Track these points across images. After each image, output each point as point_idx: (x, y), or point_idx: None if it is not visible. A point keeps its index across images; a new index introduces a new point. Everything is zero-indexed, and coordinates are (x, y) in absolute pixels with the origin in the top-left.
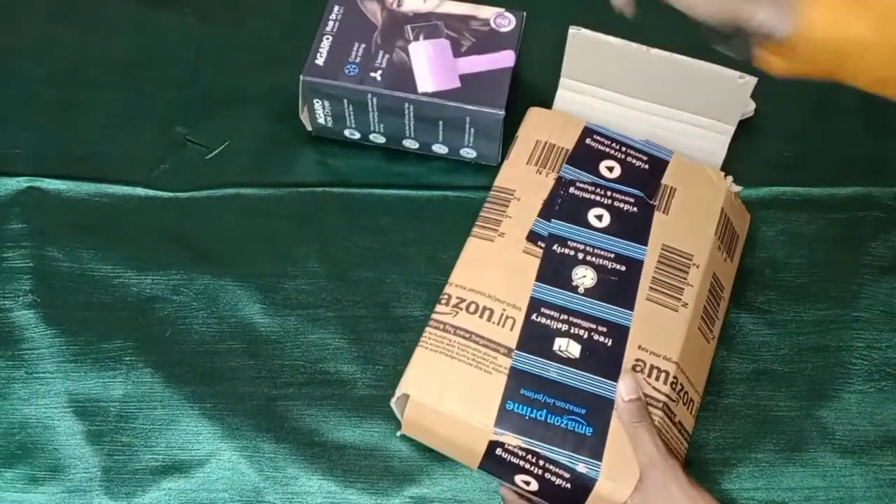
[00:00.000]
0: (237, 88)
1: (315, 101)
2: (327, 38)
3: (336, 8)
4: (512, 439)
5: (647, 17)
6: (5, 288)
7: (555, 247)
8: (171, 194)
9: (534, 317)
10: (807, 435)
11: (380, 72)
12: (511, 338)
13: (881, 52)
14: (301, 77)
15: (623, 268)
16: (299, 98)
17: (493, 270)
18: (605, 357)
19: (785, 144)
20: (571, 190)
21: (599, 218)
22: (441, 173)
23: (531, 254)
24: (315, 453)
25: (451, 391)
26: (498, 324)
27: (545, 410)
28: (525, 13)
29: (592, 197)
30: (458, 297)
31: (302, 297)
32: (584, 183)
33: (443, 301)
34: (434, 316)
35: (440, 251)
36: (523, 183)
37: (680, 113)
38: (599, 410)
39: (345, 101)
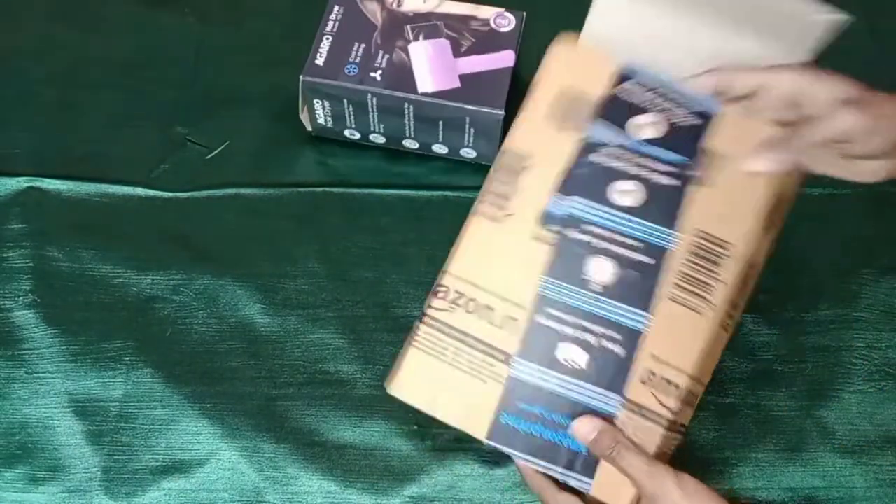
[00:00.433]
0: (237, 88)
1: (315, 101)
2: (327, 38)
3: (336, 8)
4: (504, 450)
5: None
6: (5, 288)
7: (570, 231)
8: (171, 194)
9: (539, 318)
10: (807, 435)
11: (380, 72)
12: (511, 343)
13: None
14: (301, 77)
15: (647, 259)
16: (299, 98)
17: (498, 261)
18: (612, 368)
19: None
20: (596, 157)
21: (626, 194)
22: (441, 173)
23: (542, 240)
24: (315, 453)
25: (444, 398)
26: (499, 326)
27: (540, 424)
28: (525, 13)
29: (620, 165)
30: (456, 292)
31: (302, 297)
32: (612, 147)
33: (440, 294)
34: (429, 311)
35: (440, 251)
36: (539, 146)
37: (741, 40)
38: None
39: (345, 101)
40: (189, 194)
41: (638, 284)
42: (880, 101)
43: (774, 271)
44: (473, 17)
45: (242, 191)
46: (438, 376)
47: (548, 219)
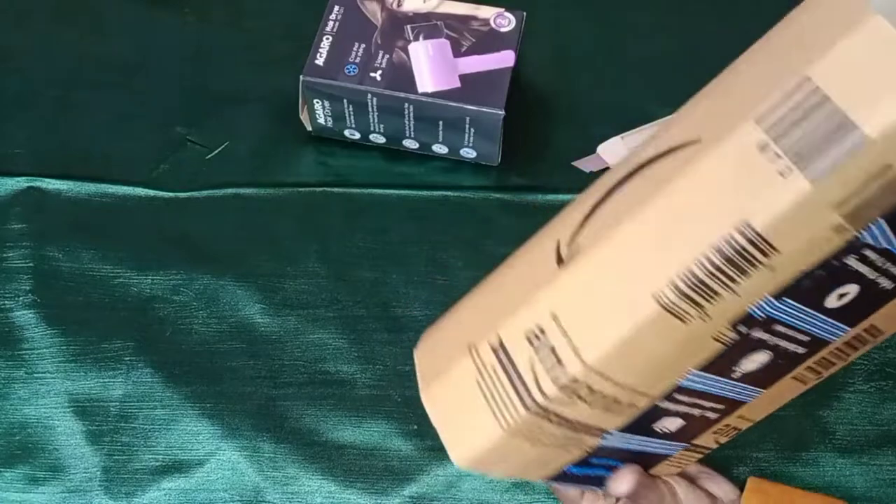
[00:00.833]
0: (237, 88)
1: (315, 101)
2: (327, 38)
3: (336, 8)
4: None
5: None
6: (5, 288)
7: (756, 332)
8: (171, 194)
9: (661, 403)
10: (807, 435)
11: (380, 72)
12: (616, 422)
13: None
14: (301, 77)
15: (802, 350)
16: (299, 98)
17: (651, 357)
18: (697, 429)
19: None
20: (849, 261)
21: (842, 296)
22: (441, 173)
23: (720, 340)
24: (315, 453)
25: (516, 465)
26: (612, 412)
27: (601, 468)
28: (525, 13)
29: (866, 275)
30: (588, 388)
31: (302, 297)
32: (876, 253)
33: (567, 390)
34: (543, 401)
35: (440, 251)
36: (800, 245)
37: None
38: (653, 460)
39: (345, 101)
40: (189, 194)
41: (775, 370)
42: None
43: None
44: (473, 17)
45: (242, 191)
46: (518, 451)
47: (745, 321)
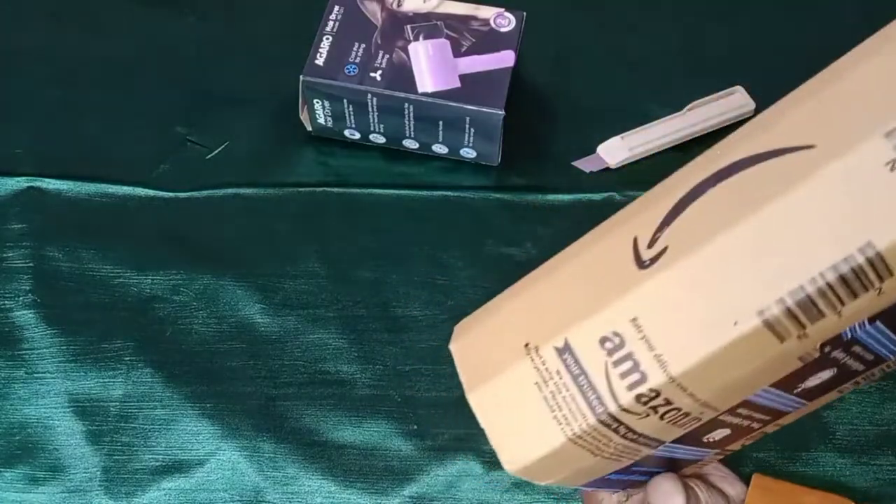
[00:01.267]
0: (237, 88)
1: (315, 101)
2: (327, 38)
3: (336, 8)
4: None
5: None
6: (5, 288)
7: (837, 352)
8: (171, 194)
9: (723, 416)
10: (807, 435)
11: (380, 72)
12: (677, 434)
13: None
14: (301, 77)
15: (862, 367)
16: (299, 98)
17: (740, 376)
18: (737, 436)
19: None
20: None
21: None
22: (441, 173)
23: (803, 359)
24: (315, 453)
25: (567, 471)
26: (678, 425)
27: (637, 475)
28: (525, 13)
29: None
30: (665, 400)
31: (302, 297)
32: None
33: (644, 400)
34: (615, 411)
35: (440, 251)
36: None
37: None
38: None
39: (345, 101)
40: (189, 194)
41: (829, 384)
42: None
43: None
44: (473, 17)
45: (242, 191)
46: (578, 459)
47: (832, 342)
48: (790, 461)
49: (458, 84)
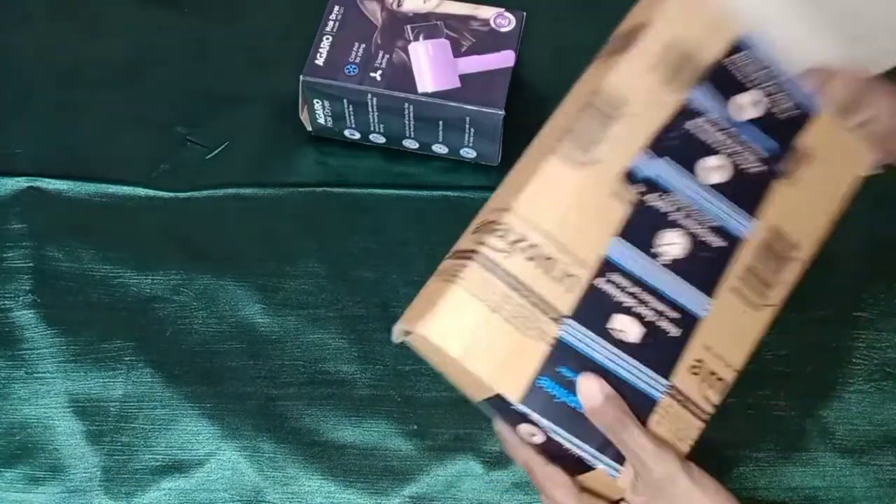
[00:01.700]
0: (237, 88)
1: (315, 101)
2: (327, 38)
3: (336, 8)
4: (535, 416)
5: None
6: (5, 288)
7: (651, 197)
8: (171, 194)
9: (599, 282)
10: (807, 435)
11: (380, 72)
12: (566, 301)
13: None
14: (301, 77)
15: (721, 243)
16: (299, 98)
17: (569, 210)
18: (664, 349)
19: None
20: (692, 125)
21: (714, 171)
22: (441, 173)
23: (621, 199)
24: (315, 453)
25: (481, 348)
26: (557, 280)
27: (576, 402)
28: (525, 13)
29: (715, 141)
30: (519, 233)
31: (302, 297)
32: (711, 118)
33: (498, 232)
34: (484, 250)
35: (440, 251)
36: (638, 95)
37: (857, 46)
38: (641, 410)
39: (345, 101)
40: (189, 194)
41: (706, 267)
42: None
43: None
44: (473, 17)
45: (242, 191)
46: (480, 322)
47: (632, 177)
48: (790, 461)
49: (458, 84)
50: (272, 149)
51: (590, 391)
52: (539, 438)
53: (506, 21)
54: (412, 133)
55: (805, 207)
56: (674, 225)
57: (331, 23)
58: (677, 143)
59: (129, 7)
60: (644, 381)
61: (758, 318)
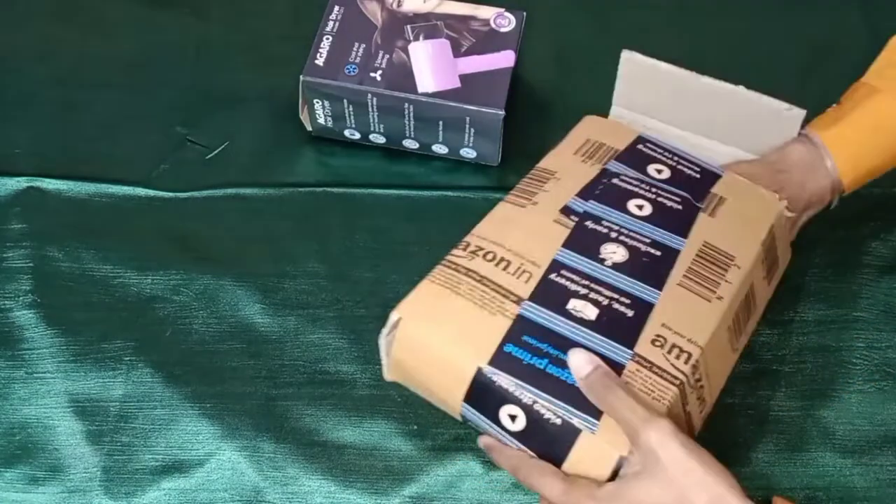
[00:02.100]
0: (237, 88)
1: (315, 101)
2: (327, 38)
3: (336, 8)
4: (504, 379)
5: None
6: (5, 288)
7: (588, 222)
8: (171, 194)
9: (553, 276)
10: (807, 435)
11: (380, 72)
12: (524, 289)
13: None
14: (301, 77)
15: (658, 253)
16: (299, 98)
17: (520, 230)
18: (623, 326)
19: None
20: (615, 180)
21: (640, 208)
22: (441, 173)
23: (562, 224)
24: (315, 453)
25: (449, 323)
26: (513, 274)
27: (547, 360)
28: (525, 13)
29: (636, 189)
30: (476, 245)
31: (302, 297)
32: (630, 177)
33: (461, 247)
34: (448, 257)
35: (440, 251)
36: (566, 168)
37: (726, 147)
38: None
39: (345, 101)
40: (189, 194)
41: (649, 268)
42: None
43: None
44: (473, 17)
45: (242, 191)
46: (447, 303)
47: (569, 210)
48: (790, 461)
49: (458, 84)
50: (272, 149)
51: (578, 363)
52: (521, 421)
53: (506, 21)
54: (412, 133)
55: (731, 232)
56: (614, 240)
57: (331, 23)
58: (603, 189)
59: (129, 7)
60: (608, 350)
61: (715, 308)
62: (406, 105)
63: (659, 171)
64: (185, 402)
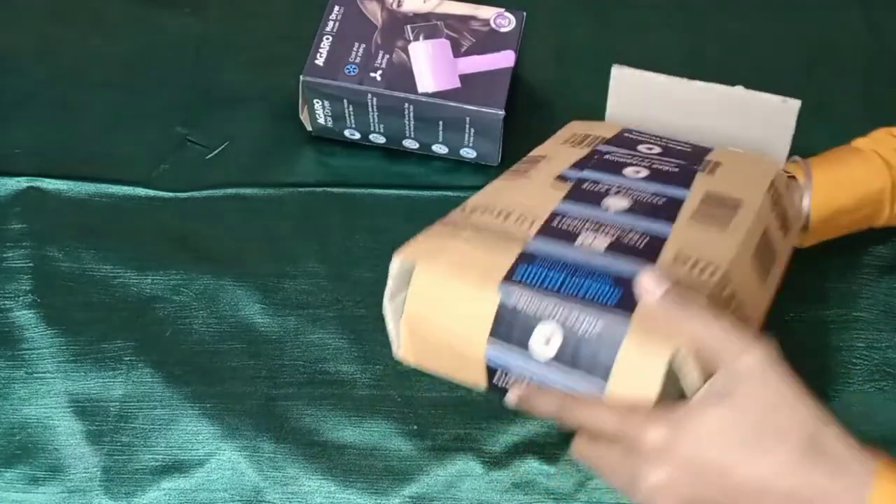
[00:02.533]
0: (237, 88)
1: (315, 101)
2: (327, 38)
3: (336, 8)
4: (532, 294)
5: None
6: (5, 288)
7: (585, 184)
8: (171, 194)
9: (556, 220)
10: None
11: (380, 72)
12: (529, 232)
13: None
14: (301, 77)
15: (662, 200)
16: (299, 98)
17: (516, 194)
18: (638, 252)
19: None
20: (607, 156)
21: (637, 172)
22: (441, 173)
23: (557, 188)
24: (315, 453)
25: (459, 256)
26: (515, 222)
27: (564, 275)
28: (525, 13)
29: (630, 160)
30: (473, 206)
31: (302, 297)
32: (622, 153)
33: (458, 208)
34: (447, 218)
35: None
36: (556, 152)
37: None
38: (630, 287)
39: (345, 101)
40: (189, 194)
41: (656, 211)
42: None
43: None
44: (473, 17)
45: (242, 191)
46: (453, 245)
47: (564, 177)
48: None
49: (458, 84)
50: (272, 149)
51: (647, 284)
52: (555, 341)
53: (506, 21)
54: (412, 133)
55: (734, 183)
56: (615, 194)
57: (331, 23)
58: (597, 161)
59: (128, 7)
60: (629, 267)
61: (732, 236)
62: (406, 105)
63: (650, 149)
64: (185, 402)
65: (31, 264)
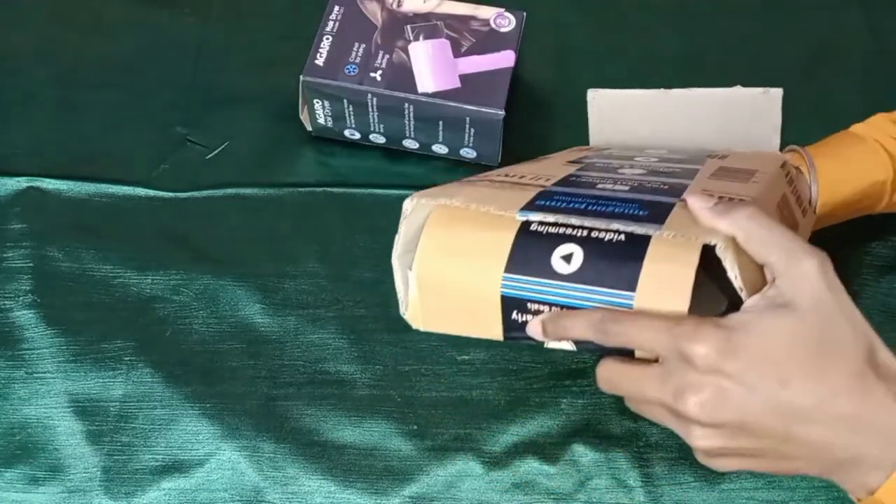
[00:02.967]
0: (237, 88)
1: (315, 101)
2: (327, 38)
3: (336, 8)
4: (551, 217)
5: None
6: (5, 288)
7: (590, 166)
8: (171, 194)
9: (572, 178)
10: None
11: (380, 72)
12: (546, 183)
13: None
14: (301, 77)
15: (679, 168)
16: (299, 98)
17: (528, 167)
18: (661, 193)
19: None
20: (599, 162)
21: (633, 170)
22: (441, 173)
23: (565, 169)
24: (315, 453)
25: (477, 198)
26: (532, 179)
27: (587, 203)
28: (525, 13)
29: (631, 162)
30: (485, 174)
31: (302, 297)
32: (612, 164)
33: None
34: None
35: None
36: (553, 170)
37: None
38: (660, 207)
39: (345, 101)
40: (189, 194)
41: (673, 176)
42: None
43: None
44: (473, 17)
45: (242, 191)
46: (471, 189)
47: (576, 160)
48: None
49: (458, 84)
50: (272, 149)
51: (696, 203)
52: (577, 258)
53: (506, 21)
54: (412, 133)
55: (745, 161)
56: (630, 167)
57: (331, 23)
58: (595, 161)
59: (128, 7)
60: (657, 197)
61: (754, 185)
62: (406, 105)
63: (649, 156)
64: (185, 402)
65: (31, 264)
